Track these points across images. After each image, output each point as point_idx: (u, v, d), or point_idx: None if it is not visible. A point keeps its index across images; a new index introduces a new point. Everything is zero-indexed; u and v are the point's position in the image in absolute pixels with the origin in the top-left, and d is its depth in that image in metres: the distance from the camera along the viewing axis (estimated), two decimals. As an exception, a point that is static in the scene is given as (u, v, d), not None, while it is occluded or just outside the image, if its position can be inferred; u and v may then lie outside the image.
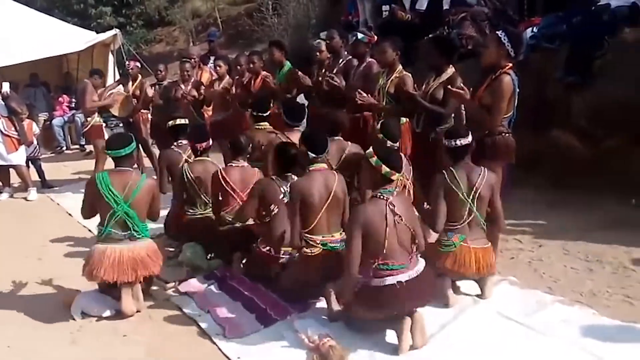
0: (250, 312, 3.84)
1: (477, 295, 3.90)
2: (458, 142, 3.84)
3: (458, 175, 3.82)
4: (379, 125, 4.43)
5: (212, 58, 8.32)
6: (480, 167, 3.90)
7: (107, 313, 3.99)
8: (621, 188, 5.27)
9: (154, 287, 4.33)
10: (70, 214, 6.65)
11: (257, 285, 4.14)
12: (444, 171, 3.86)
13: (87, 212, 4.21)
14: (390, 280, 3.27)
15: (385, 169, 3.34)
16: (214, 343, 3.55)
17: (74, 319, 3.98)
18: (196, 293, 4.21)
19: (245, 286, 4.16)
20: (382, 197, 3.37)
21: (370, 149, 3.50)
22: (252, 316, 3.80)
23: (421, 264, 3.43)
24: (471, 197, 3.80)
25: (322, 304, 3.82)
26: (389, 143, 4.21)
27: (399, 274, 3.28)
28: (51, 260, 5.25)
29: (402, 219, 3.34)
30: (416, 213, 3.65)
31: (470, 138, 3.89)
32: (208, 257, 4.68)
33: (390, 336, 3.38)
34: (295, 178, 4.15)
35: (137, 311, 3.98)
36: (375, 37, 5.88)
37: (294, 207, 3.85)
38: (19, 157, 7.71)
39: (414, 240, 3.41)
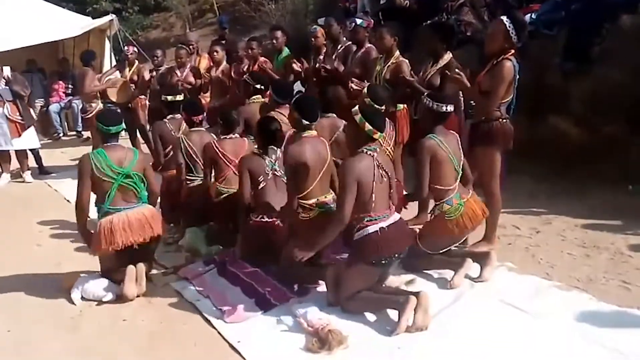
0: (250, 297, 3.86)
1: (475, 279, 3.93)
2: (448, 108, 3.93)
3: (443, 140, 3.90)
4: (366, 89, 4.44)
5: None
6: (450, 131, 4.03)
7: (108, 297, 4.01)
8: (618, 174, 5.30)
9: (153, 272, 4.35)
10: (68, 200, 6.65)
11: (256, 270, 4.16)
12: (432, 137, 3.90)
13: (83, 197, 3.98)
14: (373, 228, 3.40)
15: (368, 126, 3.41)
16: (214, 328, 3.56)
17: (74, 304, 4.00)
18: (196, 278, 4.22)
19: (245, 271, 4.16)
20: (368, 152, 3.43)
21: (356, 107, 3.54)
22: (252, 301, 3.81)
23: (397, 215, 3.58)
24: (458, 160, 3.94)
25: (321, 288, 3.84)
26: (377, 107, 4.26)
27: (380, 222, 3.42)
28: (50, 246, 5.26)
29: (387, 175, 3.46)
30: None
31: (452, 107, 4.00)
32: (210, 243, 4.74)
33: (389, 321, 3.40)
34: (279, 151, 4.29)
35: (138, 295, 4.00)
36: (372, 21, 5.87)
37: (291, 172, 3.87)
38: (21, 142, 7.70)
39: (392, 196, 3.56)
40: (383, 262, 3.44)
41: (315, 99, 4.40)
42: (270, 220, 4.20)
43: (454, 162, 3.92)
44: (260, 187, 4.27)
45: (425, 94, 4.13)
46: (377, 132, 3.45)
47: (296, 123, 4.00)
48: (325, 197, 3.98)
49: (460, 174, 3.97)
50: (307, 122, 3.94)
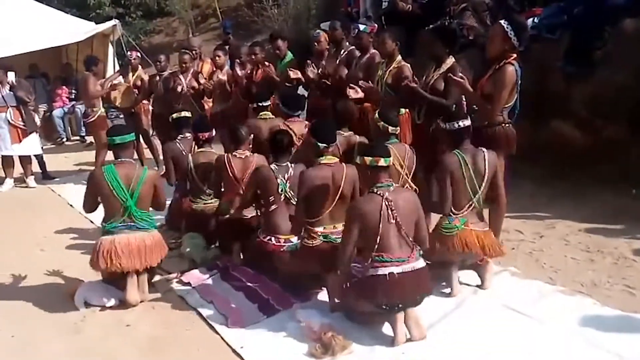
0: (253, 303, 3.86)
1: (477, 286, 3.92)
2: (460, 124, 3.85)
3: (467, 160, 3.81)
4: (377, 114, 4.41)
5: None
6: (480, 149, 3.88)
7: (111, 303, 4.01)
8: (622, 178, 5.29)
9: (157, 278, 4.35)
10: (71, 205, 6.68)
11: (259, 275, 4.15)
12: (456, 153, 3.83)
13: (90, 206, 4.19)
14: (382, 271, 3.26)
15: (368, 160, 3.35)
16: (217, 333, 3.57)
17: (77, 309, 4.00)
18: (199, 283, 4.22)
19: (248, 277, 4.17)
20: (378, 192, 3.34)
21: (356, 149, 3.50)
22: (255, 306, 3.81)
23: (420, 262, 3.38)
24: (478, 184, 3.81)
25: (324, 294, 3.84)
26: (391, 129, 4.25)
27: (392, 266, 3.26)
28: (53, 251, 5.26)
29: (397, 216, 3.29)
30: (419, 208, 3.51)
31: (469, 120, 3.91)
32: (208, 248, 4.75)
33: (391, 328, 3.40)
34: (291, 167, 4.14)
35: (141, 301, 4.00)
36: (375, 26, 5.88)
37: (303, 197, 3.81)
38: (21, 148, 7.71)
39: (412, 235, 3.38)
40: (384, 307, 3.26)
41: (331, 121, 4.29)
42: (277, 243, 4.06)
43: (469, 187, 3.80)
44: (270, 209, 4.13)
45: (440, 118, 4.05)
46: (380, 160, 3.34)
47: (313, 148, 3.90)
48: (335, 227, 3.83)
49: (476, 202, 3.83)
50: (325, 145, 3.86)
